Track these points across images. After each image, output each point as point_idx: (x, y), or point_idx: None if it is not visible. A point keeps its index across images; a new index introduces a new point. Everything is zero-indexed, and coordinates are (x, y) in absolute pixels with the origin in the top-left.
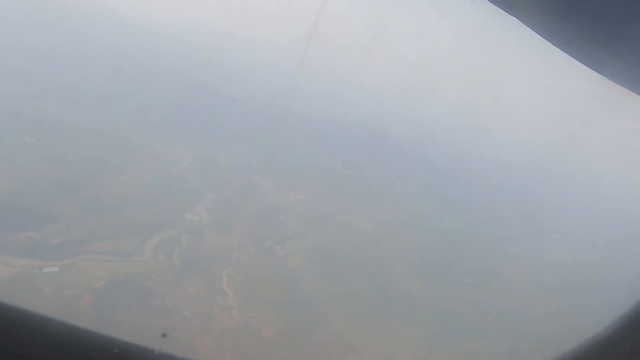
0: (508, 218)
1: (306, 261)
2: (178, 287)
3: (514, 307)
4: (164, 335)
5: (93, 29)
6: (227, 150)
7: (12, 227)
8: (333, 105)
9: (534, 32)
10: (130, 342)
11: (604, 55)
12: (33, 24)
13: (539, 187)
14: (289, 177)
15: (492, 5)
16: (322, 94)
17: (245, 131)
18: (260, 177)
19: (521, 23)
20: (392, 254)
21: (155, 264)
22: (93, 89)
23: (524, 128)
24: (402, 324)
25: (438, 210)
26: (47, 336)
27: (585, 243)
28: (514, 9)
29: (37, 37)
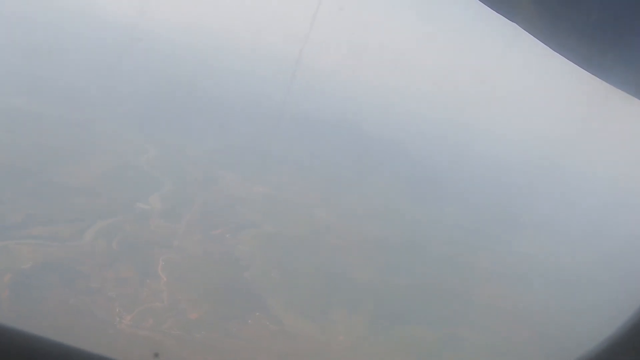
0: (486, 214)
1: (255, 249)
2: (110, 270)
3: (464, 295)
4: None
5: (72, 26)
6: (197, 145)
7: None
8: (314, 102)
9: (534, 38)
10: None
11: (602, 59)
12: (10, 21)
13: (531, 187)
14: (257, 171)
15: (492, 11)
16: (304, 91)
17: (220, 127)
18: (226, 171)
19: (521, 29)
20: (349, 245)
21: (91, 249)
22: (67, 83)
23: (521, 130)
24: (343, 312)
25: (411, 205)
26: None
27: (567, 241)
28: (514, 15)
29: (14, 33)
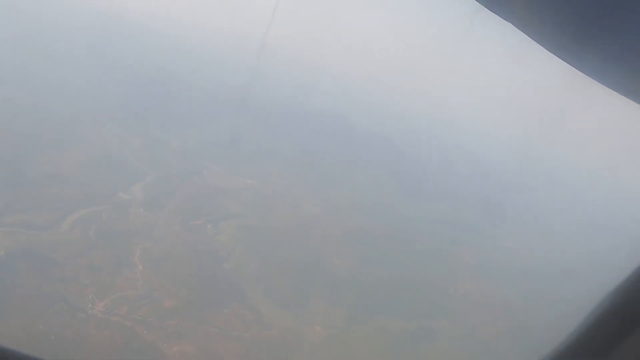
0: (474, 210)
1: (237, 240)
2: (85, 258)
3: (446, 289)
4: None
5: (55, 15)
6: (182, 136)
7: None
8: (300, 94)
9: (529, 37)
10: None
11: (596, 60)
12: None
13: (520, 184)
14: (243, 164)
15: (487, 10)
16: (289, 83)
17: (205, 119)
18: (211, 163)
19: (516, 28)
20: (333, 238)
21: (68, 237)
22: (49, 73)
23: (512, 128)
24: (321, 303)
25: (397, 200)
26: None
27: (552, 236)
28: (509, 15)
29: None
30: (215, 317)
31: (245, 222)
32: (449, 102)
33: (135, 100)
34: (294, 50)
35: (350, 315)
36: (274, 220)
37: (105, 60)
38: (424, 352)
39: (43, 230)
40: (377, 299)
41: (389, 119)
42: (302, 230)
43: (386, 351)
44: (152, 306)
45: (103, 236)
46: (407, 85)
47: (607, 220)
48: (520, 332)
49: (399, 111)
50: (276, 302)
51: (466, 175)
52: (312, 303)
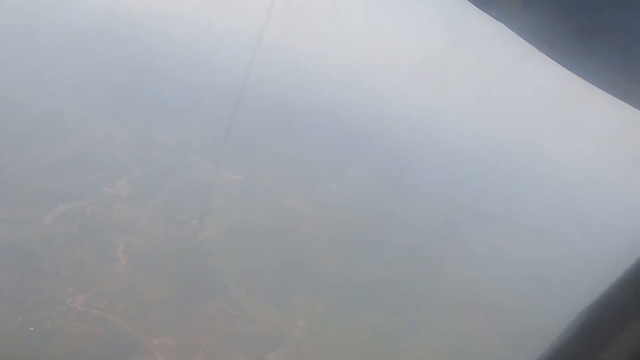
0: (462, 208)
1: (221, 235)
2: (67, 252)
3: (431, 286)
4: None
5: (43, 9)
6: (169, 132)
7: None
8: (290, 91)
9: (521, 38)
10: None
11: (588, 61)
12: None
13: (509, 184)
14: (231, 159)
15: (479, 10)
16: (279, 80)
17: (192, 115)
18: (198, 158)
19: (508, 29)
20: (318, 233)
21: (50, 231)
22: (36, 68)
23: (503, 128)
24: (306, 298)
25: (385, 197)
26: None
27: (540, 235)
28: (502, 15)
29: None
30: (199, 311)
31: (230, 218)
32: (440, 101)
33: (123, 95)
34: (284, 47)
35: (334, 310)
36: (260, 216)
37: (92, 55)
38: (408, 348)
39: (26, 224)
40: (362, 295)
41: (379, 117)
42: (288, 226)
43: (370, 346)
44: (134, 300)
45: (86, 231)
46: (398, 84)
47: (601, 221)
48: (510, 330)
49: (389, 110)
50: (260, 297)
51: (457, 174)
52: (296, 298)
